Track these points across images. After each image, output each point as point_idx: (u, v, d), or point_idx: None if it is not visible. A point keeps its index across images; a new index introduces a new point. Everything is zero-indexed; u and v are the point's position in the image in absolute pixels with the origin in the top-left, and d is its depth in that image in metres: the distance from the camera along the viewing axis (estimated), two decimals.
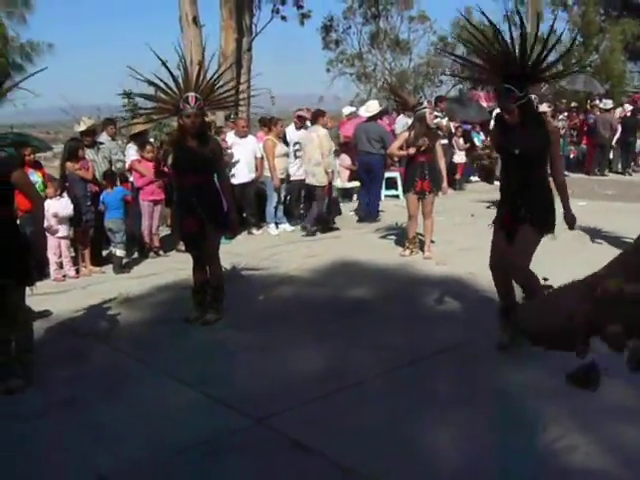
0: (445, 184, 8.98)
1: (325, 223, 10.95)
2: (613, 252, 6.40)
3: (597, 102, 18.95)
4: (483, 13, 5.49)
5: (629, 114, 18.30)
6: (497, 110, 5.69)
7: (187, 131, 5.96)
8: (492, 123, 7.74)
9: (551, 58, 5.14)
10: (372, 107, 12.26)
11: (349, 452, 3.77)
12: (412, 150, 8.46)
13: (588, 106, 19.22)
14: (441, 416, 4.22)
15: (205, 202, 6.02)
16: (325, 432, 4.03)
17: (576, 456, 3.63)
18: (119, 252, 8.56)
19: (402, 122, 13.71)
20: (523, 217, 5.08)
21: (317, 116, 11.01)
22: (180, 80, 6.08)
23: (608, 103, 18.33)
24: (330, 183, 10.98)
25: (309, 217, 10.89)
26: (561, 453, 3.68)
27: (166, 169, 6.87)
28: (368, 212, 11.78)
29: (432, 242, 8.87)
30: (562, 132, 16.82)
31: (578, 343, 1.22)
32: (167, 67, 6.20)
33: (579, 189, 14.20)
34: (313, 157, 10.60)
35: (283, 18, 19.82)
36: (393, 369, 5.02)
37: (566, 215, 5.28)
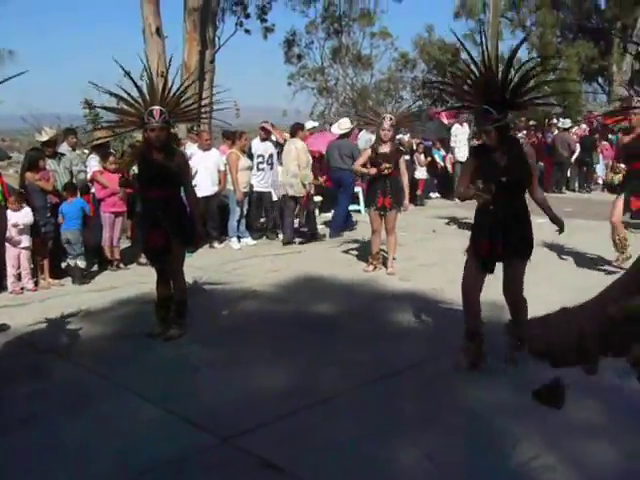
0: (406, 201, 9.02)
1: (312, 235, 11.34)
2: (576, 268, 6.55)
3: (555, 121, 19.32)
4: (458, 40, 5.54)
5: (587, 133, 18.70)
6: (474, 142, 5.85)
7: (152, 144, 5.90)
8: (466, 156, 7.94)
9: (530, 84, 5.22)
10: (344, 125, 12.51)
11: (319, 471, 3.74)
12: (373, 171, 8.50)
13: (546, 125, 19.58)
14: (409, 434, 4.20)
15: (171, 216, 5.95)
16: (294, 451, 3.98)
17: (545, 474, 3.64)
18: (80, 263, 8.41)
19: (365, 138, 13.82)
20: (511, 250, 5.06)
21: (296, 129, 11.32)
22: (145, 92, 6.01)
23: (566, 122, 18.70)
24: (308, 194, 11.21)
25: (285, 227, 11.24)
26: (530, 471, 3.69)
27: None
28: (333, 225, 11.85)
29: (394, 258, 8.90)
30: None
31: (589, 362, 1.24)
32: (132, 78, 6.14)
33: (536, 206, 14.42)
34: (290, 169, 10.86)
35: (247, 31, 19.89)
36: (360, 385, 5.00)
37: (556, 221, 5.48)
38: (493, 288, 5.29)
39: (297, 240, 11.14)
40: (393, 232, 8.75)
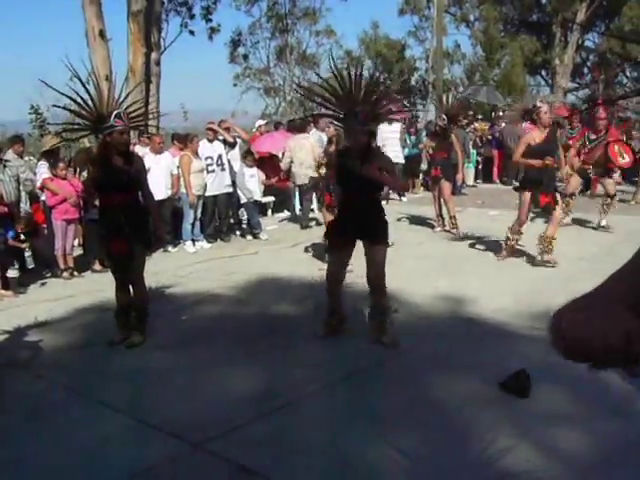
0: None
1: None
2: (527, 260, 6.60)
3: (501, 114, 19.60)
4: None
5: (532, 126, 18.98)
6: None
7: (114, 149, 5.80)
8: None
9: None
10: None
11: (295, 474, 3.72)
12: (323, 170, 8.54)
13: (493, 118, 19.87)
14: (382, 431, 4.21)
15: (132, 221, 5.86)
16: (267, 454, 3.96)
17: (517, 464, 3.68)
18: (11, 273, 8.29)
19: (315, 137, 13.80)
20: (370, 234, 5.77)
21: (304, 125, 12.63)
22: (95, 96, 5.90)
23: None
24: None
25: (304, 213, 12.47)
26: (502, 462, 3.72)
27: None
28: None
29: None
30: (471, 143, 17.29)
31: (634, 363, 1.19)
32: (81, 81, 6.00)
33: (490, 199, 14.63)
34: (305, 161, 11.63)
35: (191, 33, 19.68)
36: (328, 385, 5.01)
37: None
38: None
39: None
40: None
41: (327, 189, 8.87)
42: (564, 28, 29.93)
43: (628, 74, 31.83)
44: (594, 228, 10.90)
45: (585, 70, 34.14)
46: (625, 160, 10.39)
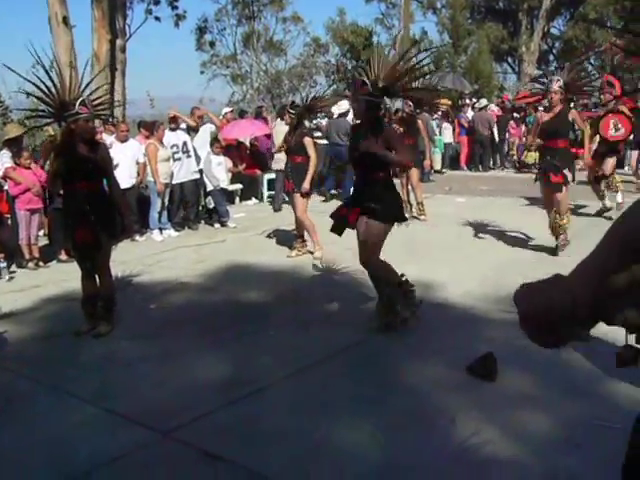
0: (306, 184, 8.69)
1: None
2: (493, 246, 6.69)
3: (468, 101, 19.71)
4: None
5: (500, 113, 19.12)
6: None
7: (79, 136, 5.72)
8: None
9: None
10: (343, 106, 13.46)
11: (265, 459, 3.73)
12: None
13: (459, 105, 19.96)
14: (351, 417, 4.23)
15: (98, 209, 5.80)
16: (236, 440, 3.96)
17: (487, 447, 3.74)
18: None
19: (279, 128, 13.78)
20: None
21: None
22: (59, 83, 5.81)
23: (483, 102, 19.07)
24: None
25: (277, 195, 12.90)
26: (473, 445, 3.77)
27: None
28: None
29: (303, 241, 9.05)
30: (437, 130, 17.34)
31: (582, 328, 1.20)
32: (46, 69, 5.91)
33: (458, 185, 14.73)
34: None
35: (157, 19, 19.53)
36: (297, 372, 5.01)
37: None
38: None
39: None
40: (302, 215, 8.75)
41: (286, 175, 9.00)
42: (530, 16, 30.15)
43: (592, 61, 32.18)
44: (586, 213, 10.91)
45: (551, 57, 34.47)
46: (618, 133, 10.27)
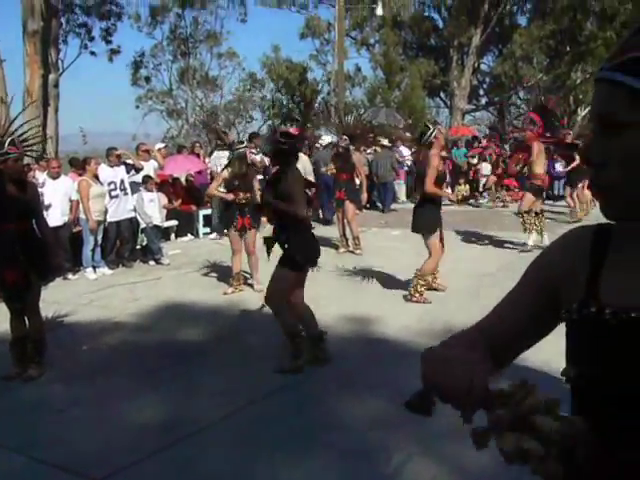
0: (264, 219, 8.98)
1: None
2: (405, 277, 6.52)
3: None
4: None
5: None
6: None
7: (9, 176, 5.59)
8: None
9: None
10: (326, 140, 15.78)
11: None
12: (231, 196, 8.58)
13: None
14: (288, 457, 4.20)
15: (27, 250, 5.66)
16: None
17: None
18: None
19: (216, 158, 13.79)
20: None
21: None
22: None
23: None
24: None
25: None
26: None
27: None
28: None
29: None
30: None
31: (470, 410, 1.13)
32: None
33: (392, 219, 14.90)
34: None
35: (92, 53, 19.40)
36: (233, 413, 4.96)
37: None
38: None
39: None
40: (254, 252, 8.77)
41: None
42: (460, 52, 30.98)
43: (521, 96, 33.16)
44: (499, 246, 11.20)
45: (481, 92, 35.39)
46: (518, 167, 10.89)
